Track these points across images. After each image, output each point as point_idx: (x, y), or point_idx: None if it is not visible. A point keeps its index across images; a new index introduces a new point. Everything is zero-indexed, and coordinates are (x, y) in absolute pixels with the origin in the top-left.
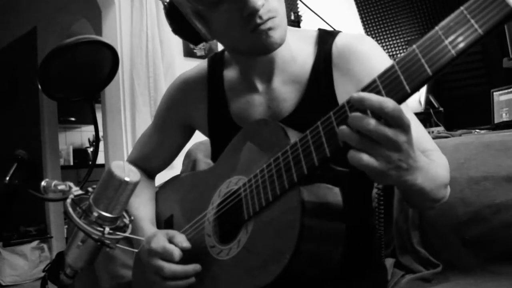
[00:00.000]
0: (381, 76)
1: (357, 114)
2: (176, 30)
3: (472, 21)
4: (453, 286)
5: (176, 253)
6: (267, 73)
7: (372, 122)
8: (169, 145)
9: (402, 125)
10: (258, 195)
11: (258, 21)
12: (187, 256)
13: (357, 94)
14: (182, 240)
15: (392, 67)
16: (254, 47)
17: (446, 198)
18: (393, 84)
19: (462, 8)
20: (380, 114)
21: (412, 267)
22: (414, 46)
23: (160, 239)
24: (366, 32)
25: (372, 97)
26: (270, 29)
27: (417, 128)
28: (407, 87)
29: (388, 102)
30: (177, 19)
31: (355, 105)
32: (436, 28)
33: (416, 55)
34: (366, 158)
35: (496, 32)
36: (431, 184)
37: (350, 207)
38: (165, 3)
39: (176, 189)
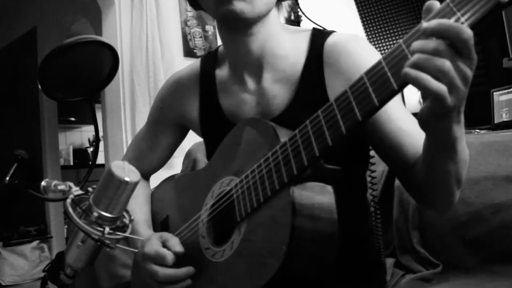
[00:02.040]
0: (368, 72)
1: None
2: None
3: (458, 14)
4: (453, 286)
5: (169, 257)
6: (257, 70)
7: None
8: (163, 145)
9: (474, 58)
10: (249, 196)
11: None
12: (182, 259)
13: (432, 20)
14: (175, 243)
15: (378, 63)
16: (217, 11)
17: (463, 181)
18: (380, 80)
19: (448, 0)
20: (456, 41)
21: (412, 267)
22: (401, 41)
23: (153, 244)
24: (366, 32)
25: (448, 21)
26: None
27: (417, 127)
28: (394, 84)
29: (466, 29)
30: None
31: (429, 32)
32: (423, 21)
33: (403, 50)
34: (434, 81)
35: (482, 26)
36: (464, 149)
37: (344, 205)
38: None
39: (171, 189)
